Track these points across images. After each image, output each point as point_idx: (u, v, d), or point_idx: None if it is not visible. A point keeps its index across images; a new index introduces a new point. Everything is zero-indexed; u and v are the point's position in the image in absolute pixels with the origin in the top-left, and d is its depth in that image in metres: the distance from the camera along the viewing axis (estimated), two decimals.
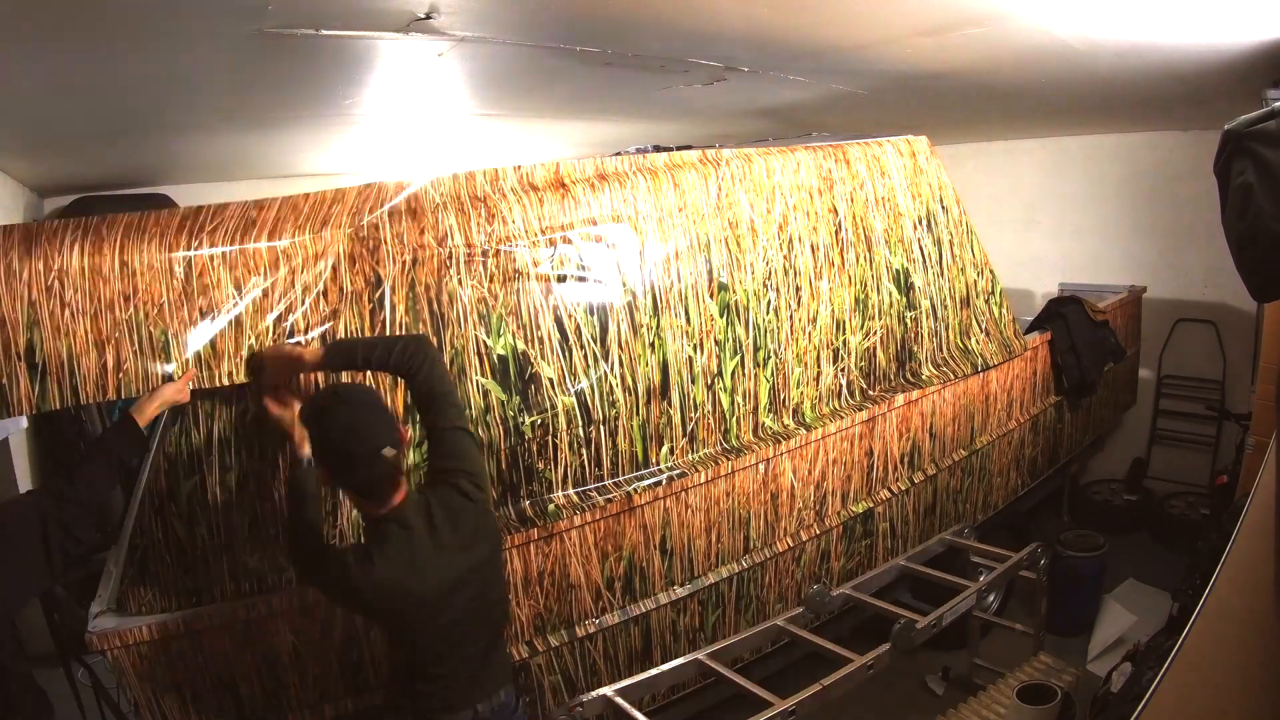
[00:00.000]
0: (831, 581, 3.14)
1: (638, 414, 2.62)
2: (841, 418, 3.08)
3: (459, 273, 2.33)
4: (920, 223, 3.40)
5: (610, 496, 2.54)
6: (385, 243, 2.24)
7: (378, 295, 2.22)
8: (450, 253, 2.33)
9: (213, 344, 1.99)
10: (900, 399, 3.26)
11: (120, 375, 1.85)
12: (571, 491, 2.51)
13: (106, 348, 1.82)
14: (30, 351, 1.74)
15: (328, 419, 1.75)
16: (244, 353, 2.03)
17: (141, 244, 1.91)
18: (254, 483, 2.11)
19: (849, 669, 2.51)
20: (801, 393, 3.03)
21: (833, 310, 3.10)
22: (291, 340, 2.09)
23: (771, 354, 2.94)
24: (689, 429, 2.75)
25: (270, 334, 2.07)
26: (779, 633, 2.80)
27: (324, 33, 2.37)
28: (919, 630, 2.71)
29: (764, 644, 2.91)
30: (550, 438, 2.47)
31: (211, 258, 2.00)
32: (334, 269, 2.17)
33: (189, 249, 1.97)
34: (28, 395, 1.74)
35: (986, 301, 3.68)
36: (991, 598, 3.24)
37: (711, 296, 2.78)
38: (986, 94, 4.00)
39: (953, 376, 3.46)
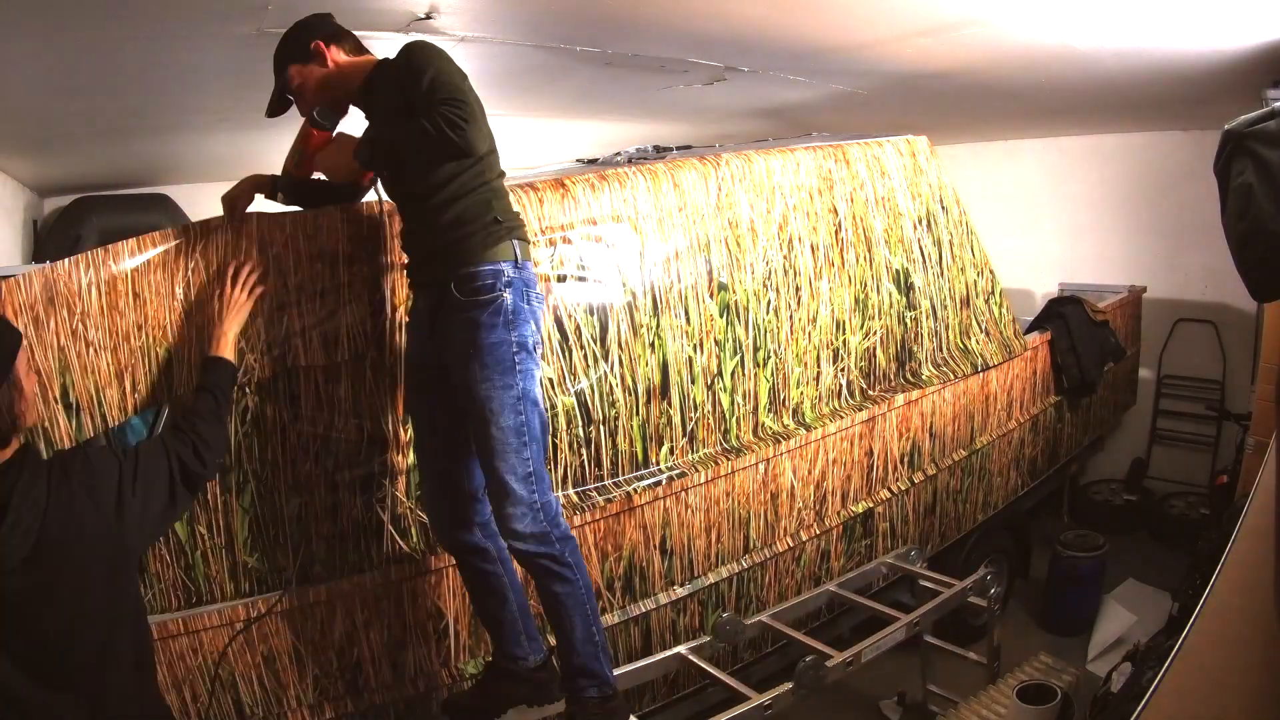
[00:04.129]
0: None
1: (638, 414, 2.62)
2: (841, 418, 3.08)
3: None
4: (920, 223, 3.39)
5: (610, 496, 2.54)
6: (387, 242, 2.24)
7: (378, 297, 2.22)
8: None
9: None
10: (900, 399, 3.26)
11: (136, 396, 1.97)
12: (571, 491, 2.51)
13: (125, 376, 1.96)
14: (65, 394, 1.89)
15: None
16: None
17: (148, 272, 1.97)
18: (254, 482, 2.11)
19: (743, 708, 2.33)
20: (801, 393, 3.03)
21: (833, 310, 3.10)
22: None
23: (771, 354, 2.94)
24: (689, 429, 2.75)
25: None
26: (681, 662, 2.62)
27: None
28: (829, 669, 2.51)
29: (665, 674, 2.68)
30: (550, 438, 2.46)
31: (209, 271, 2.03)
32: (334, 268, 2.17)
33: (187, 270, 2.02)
34: (67, 432, 1.90)
35: (986, 301, 3.68)
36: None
37: (711, 296, 2.78)
38: (986, 94, 4.01)
39: (953, 376, 3.46)
